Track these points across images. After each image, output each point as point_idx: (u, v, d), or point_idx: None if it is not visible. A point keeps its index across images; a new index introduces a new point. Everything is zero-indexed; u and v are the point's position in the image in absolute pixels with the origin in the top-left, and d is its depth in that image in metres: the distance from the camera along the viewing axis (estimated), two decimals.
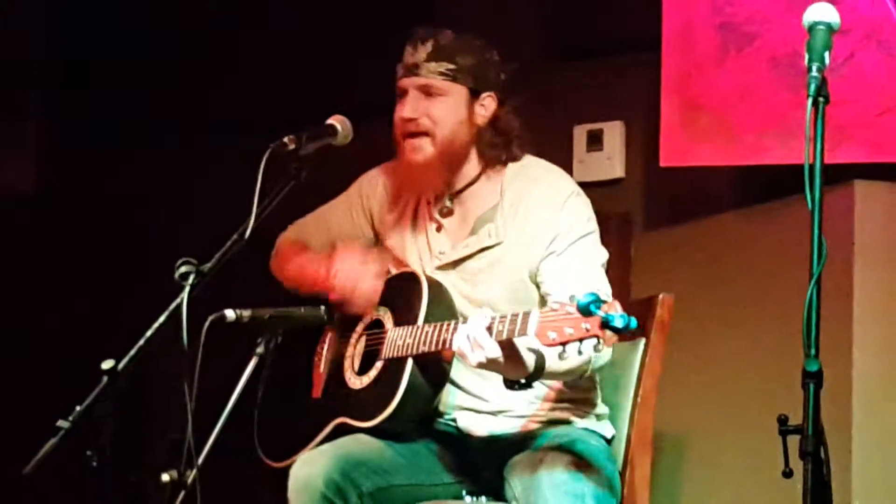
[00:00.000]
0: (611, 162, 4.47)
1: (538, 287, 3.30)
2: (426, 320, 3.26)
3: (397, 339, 3.29)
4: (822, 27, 2.85)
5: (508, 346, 2.97)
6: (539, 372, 3.02)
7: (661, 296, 3.49)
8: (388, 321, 3.38)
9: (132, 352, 2.83)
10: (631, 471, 3.42)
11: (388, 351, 3.31)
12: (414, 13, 4.51)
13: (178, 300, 2.84)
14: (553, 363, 3.00)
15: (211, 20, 5.15)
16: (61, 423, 2.75)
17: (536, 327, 2.84)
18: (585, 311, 2.74)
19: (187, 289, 2.85)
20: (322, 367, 3.53)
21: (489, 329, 2.95)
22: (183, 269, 2.87)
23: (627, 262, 4.37)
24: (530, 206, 3.33)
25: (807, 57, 2.82)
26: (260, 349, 2.95)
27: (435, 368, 3.29)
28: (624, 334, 2.80)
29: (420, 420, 3.35)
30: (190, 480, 2.76)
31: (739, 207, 4.18)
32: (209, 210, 4.45)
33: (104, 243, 5.18)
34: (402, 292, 3.37)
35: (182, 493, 2.75)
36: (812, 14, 2.87)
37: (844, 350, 3.77)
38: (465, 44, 3.37)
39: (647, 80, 4.25)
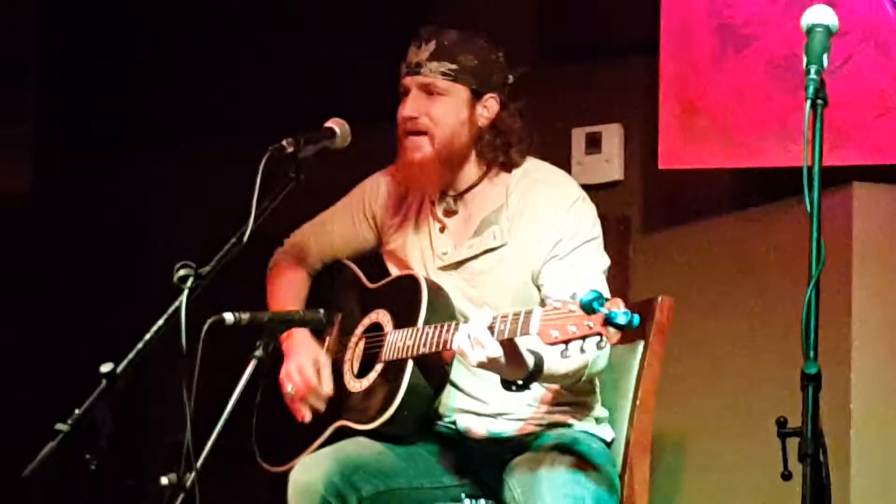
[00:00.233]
0: (609, 164, 4.47)
1: (539, 290, 3.30)
2: (426, 322, 3.26)
3: (397, 341, 3.29)
4: (820, 29, 2.85)
5: (509, 346, 2.97)
6: (537, 374, 3.02)
7: (659, 298, 3.49)
8: (388, 323, 3.38)
9: (131, 355, 2.82)
10: (630, 473, 3.42)
11: (387, 353, 3.31)
12: (413, 14, 4.50)
13: (176, 303, 2.84)
14: (552, 365, 3.00)
15: (211, 20, 5.14)
16: (60, 426, 2.74)
17: (539, 326, 2.84)
18: (588, 309, 2.75)
19: (186, 292, 2.85)
20: None
21: (491, 328, 2.95)
22: (181, 272, 2.87)
23: (626, 264, 4.37)
24: (536, 208, 3.33)
25: (805, 59, 2.82)
26: (258, 352, 2.95)
27: (435, 370, 3.29)
28: (626, 332, 2.80)
29: (420, 422, 3.34)
30: (189, 484, 2.76)
31: (738, 210, 4.18)
32: (208, 211, 4.45)
33: (102, 245, 5.17)
34: (401, 295, 3.37)
35: (181, 497, 2.75)
36: (810, 16, 2.87)
37: (843, 352, 3.77)
38: (470, 44, 3.36)
39: (645, 82, 4.26)
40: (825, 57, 2.82)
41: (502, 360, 2.97)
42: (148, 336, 2.84)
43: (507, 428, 3.36)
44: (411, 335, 3.25)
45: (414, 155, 3.37)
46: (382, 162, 3.58)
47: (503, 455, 3.32)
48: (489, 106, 3.38)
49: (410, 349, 3.24)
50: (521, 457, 3.28)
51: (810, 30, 2.86)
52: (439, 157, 3.36)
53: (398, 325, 3.34)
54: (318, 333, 3.52)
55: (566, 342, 2.80)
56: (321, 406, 3.41)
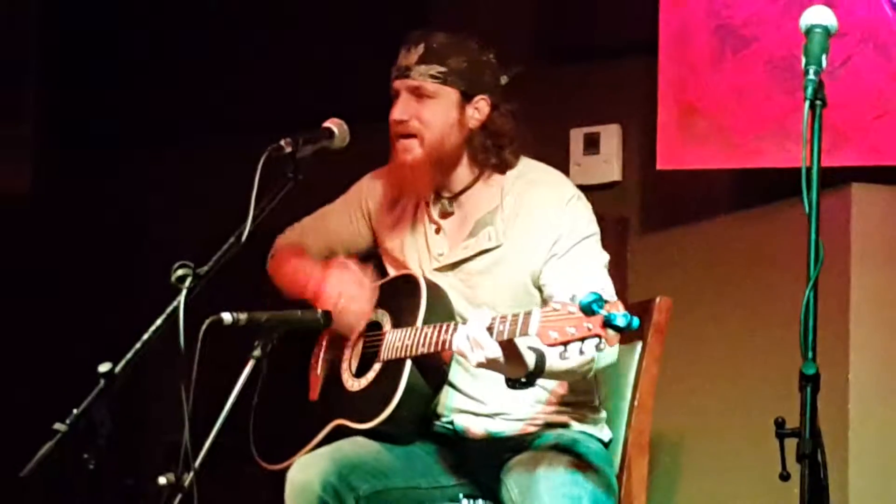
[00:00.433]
0: (608, 165, 4.47)
1: (540, 291, 3.30)
2: (425, 322, 3.26)
3: (396, 340, 3.29)
4: (819, 30, 2.85)
5: (509, 346, 2.97)
6: (539, 371, 3.02)
7: (657, 299, 3.49)
8: (386, 323, 3.38)
9: (129, 355, 2.82)
10: (628, 474, 3.42)
11: (386, 353, 3.31)
12: (411, 16, 4.51)
13: (175, 303, 2.84)
14: (554, 362, 3.00)
15: (211, 20, 5.15)
16: (58, 425, 2.74)
17: (538, 327, 2.84)
18: (588, 311, 2.75)
19: (184, 292, 2.85)
20: (319, 369, 3.53)
21: (490, 329, 2.95)
22: (180, 271, 2.87)
23: (624, 265, 4.37)
24: (532, 208, 3.33)
25: (804, 60, 2.82)
26: (257, 352, 2.95)
27: (434, 370, 3.29)
28: (626, 334, 2.80)
29: (418, 422, 3.35)
30: (187, 483, 2.76)
31: (736, 210, 4.18)
32: (208, 211, 4.45)
33: (102, 245, 5.18)
34: (400, 294, 3.37)
35: (179, 496, 2.75)
36: (809, 17, 2.87)
37: (841, 353, 3.77)
38: (459, 46, 3.36)
39: (643, 83, 4.26)
40: (824, 58, 2.82)
41: (502, 360, 2.97)
42: (146, 336, 2.84)
43: (505, 428, 3.36)
44: (410, 335, 3.25)
45: (405, 157, 3.37)
46: (381, 162, 3.58)
47: (501, 455, 3.32)
48: (480, 107, 3.38)
49: (409, 349, 3.24)
50: (519, 457, 3.28)
51: (809, 31, 2.86)
52: (430, 160, 3.36)
53: (397, 324, 3.34)
54: (315, 332, 3.52)
55: (565, 344, 2.80)
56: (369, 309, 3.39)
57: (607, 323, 2.74)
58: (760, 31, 3.94)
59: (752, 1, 3.98)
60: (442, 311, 3.30)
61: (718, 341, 4.11)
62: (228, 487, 3.57)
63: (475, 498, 3.33)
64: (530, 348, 3.01)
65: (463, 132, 3.37)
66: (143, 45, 5.26)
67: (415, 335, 3.24)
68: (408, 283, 3.37)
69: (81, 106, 5.28)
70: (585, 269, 3.24)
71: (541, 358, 3.02)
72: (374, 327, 3.43)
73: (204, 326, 2.82)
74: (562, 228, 3.28)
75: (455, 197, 3.44)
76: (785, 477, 2.71)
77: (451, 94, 3.36)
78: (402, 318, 3.33)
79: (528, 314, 2.88)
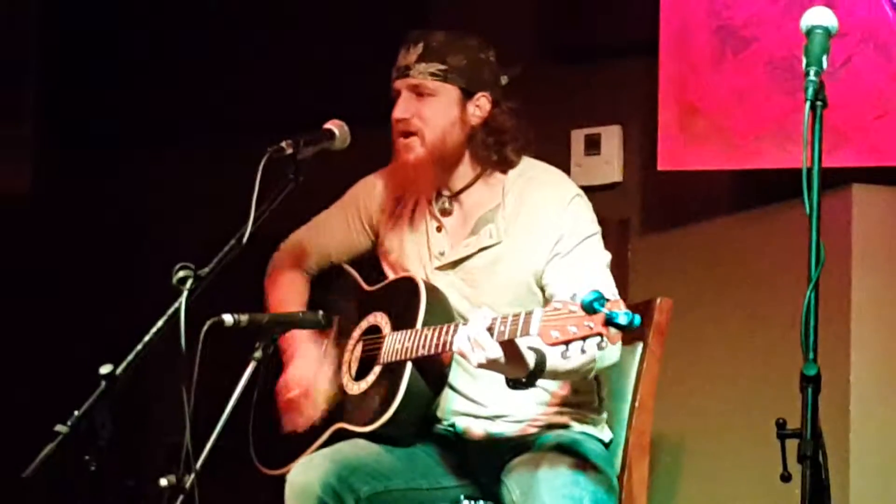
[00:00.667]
0: (609, 166, 4.47)
1: (542, 290, 3.30)
2: (424, 324, 3.26)
3: (395, 343, 3.29)
4: (819, 31, 2.85)
5: (510, 346, 2.97)
6: (540, 371, 3.03)
7: (658, 300, 3.49)
8: (386, 326, 3.38)
9: (130, 356, 2.82)
10: (629, 475, 3.42)
11: (386, 355, 3.31)
12: (411, 16, 4.51)
13: (176, 305, 2.84)
14: (555, 361, 3.00)
15: (211, 20, 5.14)
16: (60, 427, 2.75)
17: (539, 326, 2.84)
18: (589, 309, 2.75)
19: (185, 293, 2.85)
20: None
21: (491, 329, 2.95)
22: (181, 273, 2.87)
23: (625, 266, 4.36)
24: (534, 207, 3.33)
25: (804, 61, 2.81)
26: (258, 354, 2.95)
27: (434, 372, 3.29)
28: (626, 332, 2.80)
29: (419, 424, 3.34)
30: (188, 485, 2.76)
31: (737, 211, 4.18)
32: (208, 211, 4.44)
33: (102, 245, 5.18)
34: (398, 297, 3.37)
35: (180, 498, 2.75)
36: (810, 18, 2.87)
37: (842, 354, 3.77)
38: (458, 44, 3.37)
39: (644, 83, 4.26)
40: (824, 58, 2.82)
41: (502, 360, 2.97)
42: (147, 337, 2.84)
43: (505, 429, 3.36)
44: (410, 337, 3.25)
45: (407, 156, 3.38)
46: (382, 163, 3.59)
47: (502, 456, 3.32)
48: (481, 105, 3.38)
49: (409, 351, 3.24)
50: (520, 458, 3.28)
51: (810, 31, 2.86)
52: (432, 157, 3.37)
53: (396, 327, 3.33)
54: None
55: (567, 343, 2.80)
56: (316, 416, 3.40)
57: (609, 321, 2.74)
58: (761, 31, 3.94)
59: (752, 1, 3.97)
60: (441, 312, 3.30)
61: (719, 342, 4.11)
62: (227, 489, 3.56)
63: (476, 499, 3.33)
64: (531, 348, 3.01)
65: (464, 130, 3.38)
66: (143, 45, 5.25)
67: (414, 337, 3.24)
68: (406, 286, 3.37)
69: (81, 106, 5.28)
70: (588, 268, 3.24)
71: (541, 358, 3.02)
72: (373, 330, 3.42)
73: (205, 328, 2.82)
74: (564, 228, 3.28)
75: (456, 195, 3.44)
76: (786, 478, 2.71)
77: (451, 92, 3.36)
78: (402, 321, 3.32)
79: (528, 314, 2.89)
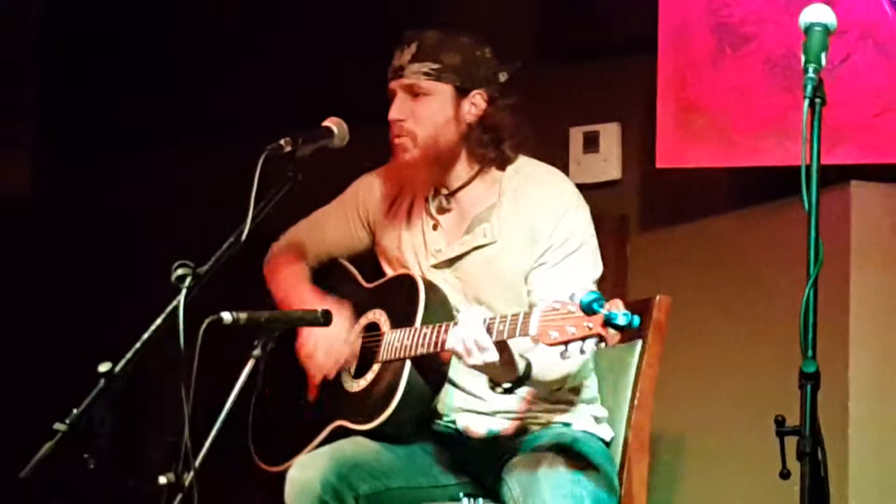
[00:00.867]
0: (607, 164, 4.47)
1: (528, 293, 3.31)
2: (423, 322, 3.26)
3: (394, 341, 3.29)
4: (818, 28, 2.85)
5: (504, 350, 2.98)
6: (527, 377, 3.06)
7: (657, 297, 3.49)
8: (385, 323, 3.38)
9: (129, 354, 2.82)
10: (628, 473, 3.41)
11: (385, 353, 3.31)
12: (411, 15, 4.51)
13: (174, 303, 2.84)
14: (539, 372, 3.06)
15: (211, 20, 5.14)
16: (58, 425, 2.74)
17: (538, 327, 2.85)
18: (588, 310, 2.75)
19: (184, 291, 2.85)
20: None
21: (490, 328, 2.96)
22: (179, 271, 2.87)
23: (624, 263, 4.37)
24: (529, 209, 3.33)
25: (803, 58, 2.81)
26: (257, 351, 2.95)
27: (433, 370, 3.29)
28: (625, 332, 2.80)
29: (418, 422, 3.34)
30: (187, 483, 2.76)
31: (736, 209, 4.18)
32: (208, 211, 4.44)
33: (102, 245, 5.18)
34: (398, 294, 3.37)
35: (179, 496, 2.74)
36: (809, 15, 2.87)
37: (841, 351, 3.77)
38: (451, 42, 3.37)
39: (643, 81, 4.25)
40: (823, 56, 2.82)
41: (498, 362, 2.98)
42: (146, 336, 2.84)
43: (505, 426, 3.36)
44: (409, 335, 3.25)
45: (404, 156, 3.38)
46: (381, 162, 3.59)
47: (502, 454, 3.32)
48: (476, 102, 3.38)
49: (408, 349, 3.24)
50: (520, 456, 3.28)
51: (808, 28, 2.85)
52: (427, 157, 3.37)
53: (395, 325, 3.33)
54: None
55: (566, 343, 2.80)
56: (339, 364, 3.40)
57: (608, 322, 2.74)
58: (760, 29, 3.94)
59: None
60: (440, 310, 3.30)
61: (718, 339, 4.11)
62: (223, 487, 3.57)
63: (476, 497, 3.33)
64: (521, 356, 3.03)
65: (460, 128, 3.38)
66: (143, 45, 5.25)
67: (413, 336, 3.24)
68: (405, 283, 3.37)
69: (81, 106, 5.28)
70: (572, 282, 3.22)
71: (529, 366, 3.05)
72: (372, 328, 3.42)
73: (204, 326, 2.82)
74: (555, 238, 3.28)
75: (453, 193, 3.44)
76: (785, 475, 2.71)
77: (445, 91, 3.36)
78: (401, 319, 3.32)
79: (527, 314, 2.89)
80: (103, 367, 2.78)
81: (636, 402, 3.45)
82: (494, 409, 3.36)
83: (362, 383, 3.36)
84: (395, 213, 3.52)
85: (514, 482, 3.23)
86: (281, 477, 3.29)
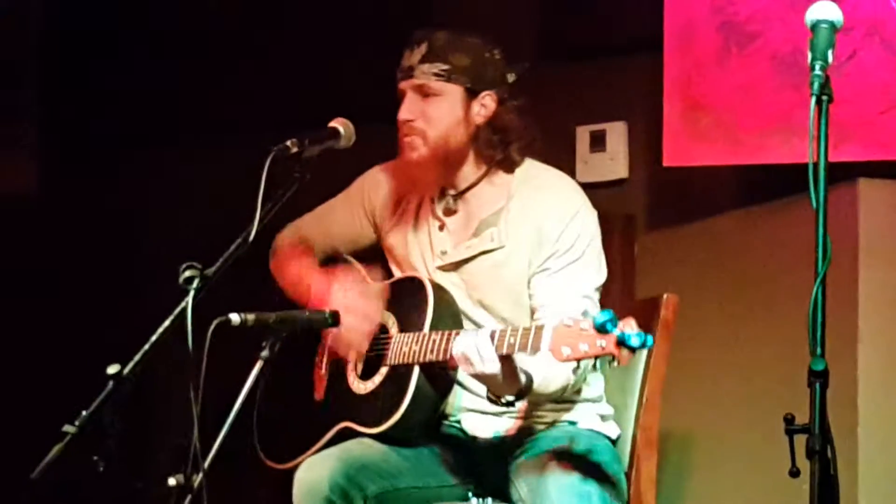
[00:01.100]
0: (614, 162, 4.47)
1: (530, 297, 3.31)
2: (432, 327, 3.25)
3: (403, 345, 3.28)
4: (825, 25, 2.84)
5: (508, 364, 2.99)
6: (527, 391, 3.07)
7: (665, 296, 3.48)
8: (393, 326, 3.36)
9: (137, 356, 2.82)
10: (637, 471, 3.41)
11: (393, 357, 3.30)
12: (411, 15, 4.50)
13: (182, 304, 2.84)
14: (539, 386, 3.07)
15: (211, 20, 5.14)
16: (67, 427, 2.74)
17: (550, 342, 2.84)
18: (601, 329, 2.74)
19: (192, 293, 2.84)
20: (323, 368, 3.52)
21: (501, 340, 2.96)
22: (187, 273, 2.86)
23: (631, 262, 4.37)
24: (536, 215, 3.32)
25: (810, 55, 2.81)
26: (265, 353, 2.95)
27: (441, 376, 3.28)
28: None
29: (425, 426, 3.34)
30: (196, 485, 2.75)
31: (743, 207, 4.18)
32: (208, 211, 4.44)
33: (103, 245, 5.18)
34: (406, 297, 3.36)
35: (188, 498, 2.74)
36: (815, 12, 2.86)
37: (850, 348, 3.77)
38: (461, 43, 3.36)
39: (649, 80, 4.25)
40: (830, 53, 2.81)
41: (500, 376, 2.99)
42: (154, 337, 2.83)
43: (512, 426, 3.36)
44: (417, 340, 3.24)
45: (411, 155, 3.37)
46: (381, 162, 3.58)
47: (509, 454, 3.32)
48: (486, 103, 3.38)
49: (416, 355, 3.23)
50: (528, 455, 3.28)
51: (815, 26, 2.85)
52: (436, 157, 3.36)
53: (403, 328, 3.32)
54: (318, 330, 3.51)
55: (577, 360, 2.81)
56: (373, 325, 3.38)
57: (621, 342, 2.73)
58: (765, 26, 3.94)
59: None
60: (449, 316, 3.30)
61: (726, 337, 4.11)
62: (237, 488, 3.56)
63: (484, 497, 3.32)
64: (522, 370, 3.05)
65: (469, 129, 3.37)
66: (143, 45, 5.25)
67: (422, 341, 3.23)
68: (414, 286, 3.36)
69: (81, 106, 5.27)
70: (573, 291, 3.23)
71: (529, 381, 3.06)
72: (380, 329, 3.41)
73: (212, 327, 2.81)
74: (560, 244, 3.28)
75: (460, 195, 3.43)
76: (795, 473, 2.71)
77: (455, 92, 3.35)
78: (409, 322, 3.31)
79: (539, 329, 2.89)
80: (112, 369, 2.78)
81: (644, 400, 3.45)
82: (501, 410, 3.35)
83: (370, 385, 3.35)
84: (402, 212, 3.51)
85: (521, 482, 3.23)
86: (285, 474, 3.28)
